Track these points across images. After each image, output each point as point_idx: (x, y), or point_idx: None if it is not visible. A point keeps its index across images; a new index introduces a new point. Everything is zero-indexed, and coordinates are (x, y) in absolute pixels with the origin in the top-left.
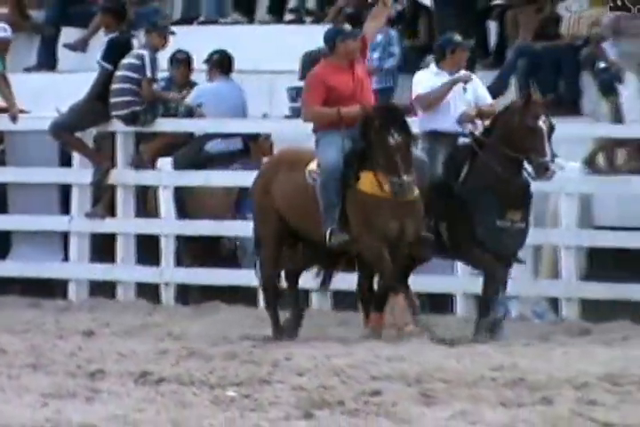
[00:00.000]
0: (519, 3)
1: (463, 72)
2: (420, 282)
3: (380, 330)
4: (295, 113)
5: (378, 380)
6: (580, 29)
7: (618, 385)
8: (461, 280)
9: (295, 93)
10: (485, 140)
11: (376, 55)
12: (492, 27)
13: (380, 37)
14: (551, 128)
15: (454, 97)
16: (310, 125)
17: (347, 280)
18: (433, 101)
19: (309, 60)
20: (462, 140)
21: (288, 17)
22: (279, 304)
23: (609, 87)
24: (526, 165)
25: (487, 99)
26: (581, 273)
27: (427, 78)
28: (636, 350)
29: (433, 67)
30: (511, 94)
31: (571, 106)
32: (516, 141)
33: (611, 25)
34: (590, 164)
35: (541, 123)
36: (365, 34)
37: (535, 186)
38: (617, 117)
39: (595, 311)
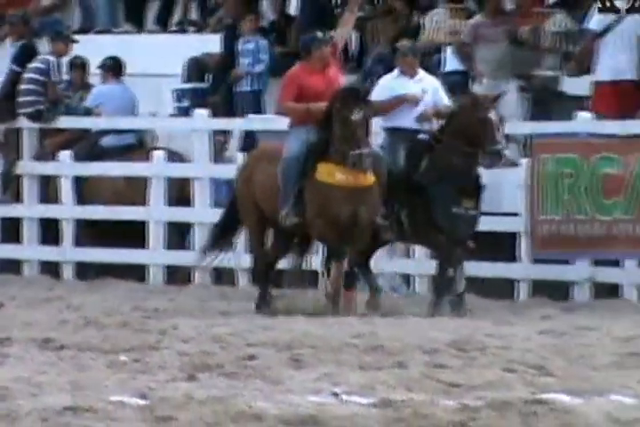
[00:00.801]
0: (378, 14)
1: (413, 94)
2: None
3: (351, 306)
4: (180, 112)
5: (253, 346)
6: (440, 38)
7: (463, 351)
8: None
9: (180, 94)
10: (440, 137)
11: (247, 61)
12: (353, 35)
13: (251, 46)
14: (501, 119)
15: None
16: (193, 122)
17: (226, 258)
18: (380, 110)
19: (192, 65)
20: (422, 136)
21: (173, 27)
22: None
23: (456, 89)
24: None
25: (445, 100)
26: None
27: (384, 85)
28: (480, 320)
29: (396, 70)
30: None
31: None
32: (469, 134)
33: (471, 31)
34: None
35: (491, 114)
36: (335, 40)
37: None
38: None
39: None
